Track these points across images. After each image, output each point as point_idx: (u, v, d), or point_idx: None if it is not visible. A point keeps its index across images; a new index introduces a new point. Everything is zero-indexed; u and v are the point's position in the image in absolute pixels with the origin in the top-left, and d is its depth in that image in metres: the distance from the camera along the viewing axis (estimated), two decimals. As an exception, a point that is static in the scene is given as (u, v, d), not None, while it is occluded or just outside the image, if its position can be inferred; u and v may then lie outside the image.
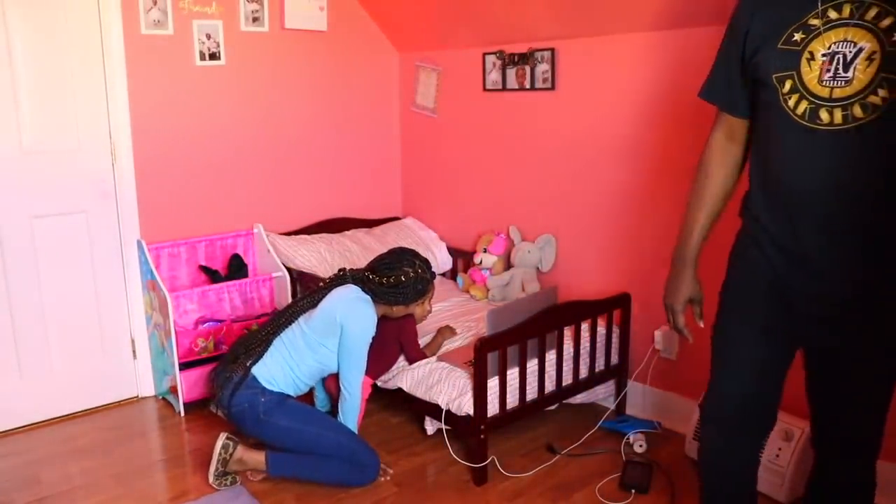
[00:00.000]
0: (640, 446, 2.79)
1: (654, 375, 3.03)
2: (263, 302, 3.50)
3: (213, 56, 3.37)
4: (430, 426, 2.88)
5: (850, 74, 1.45)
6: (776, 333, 1.70)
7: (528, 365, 2.71)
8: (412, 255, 2.78)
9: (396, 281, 2.68)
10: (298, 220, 3.76)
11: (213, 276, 3.43)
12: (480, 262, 3.56)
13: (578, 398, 2.99)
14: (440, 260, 3.85)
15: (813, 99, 1.49)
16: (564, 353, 2.84)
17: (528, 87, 3.32)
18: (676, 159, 2.84)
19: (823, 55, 1.48)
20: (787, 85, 1.53)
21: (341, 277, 2.76)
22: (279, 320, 2.72)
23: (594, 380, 2.98)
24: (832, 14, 1.48)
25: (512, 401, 2.69)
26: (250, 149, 3.59)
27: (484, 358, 2.52)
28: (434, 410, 2.73)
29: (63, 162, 3.08)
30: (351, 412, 2.70)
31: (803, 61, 1.50)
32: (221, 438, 2.60)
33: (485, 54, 3.49)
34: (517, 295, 3.32)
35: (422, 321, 2.93)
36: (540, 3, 3.03)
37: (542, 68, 3.24)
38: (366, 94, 3.96)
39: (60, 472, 2.76)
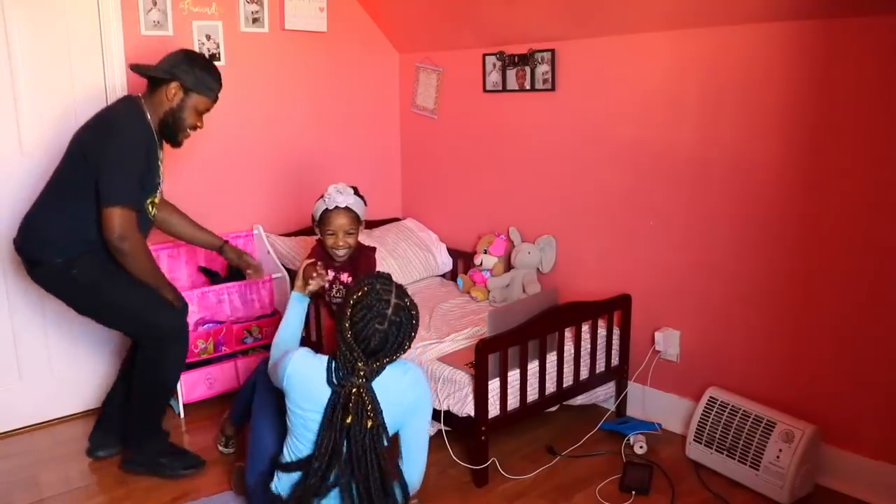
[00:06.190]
0: (641, 447, 2.79)
1: (654, 377, 3.03)
2: (263, 303, 3.49)
3: (213, 57, 3.36)
4: (431, 427, 2.87)
5: None
6: None
7: (529, 366, 2.71)
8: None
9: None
10: (298, 220, 3.76)
11: (212, 277, 3.43)
12: (481, 264, 3.55)
13: (579, 399, 2.98)
14: (440, 261, 3.85)
15: None
16: (565, 354, 2.84)
17: (528, 88, 3.32)
18: (676, 160, 2.84)
19: None
20: None
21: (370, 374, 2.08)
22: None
23: (595, 381, 2.98)
24: None
25: (513, 402, 2.69)
26: (250, 150, 3.58)
27: (485, 359, 2.52)
28: (435, 411, 2.72)
29: (63, 163, 3.07)
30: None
31: None
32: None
33: (485, 55, 3.49)
34: (518, 296, 3.31)
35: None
36: (540, 3, 3.03)
37: (543, 69, 3.23)
38: (366, 95, 3.96)
39: (60, 474, 2.76)
